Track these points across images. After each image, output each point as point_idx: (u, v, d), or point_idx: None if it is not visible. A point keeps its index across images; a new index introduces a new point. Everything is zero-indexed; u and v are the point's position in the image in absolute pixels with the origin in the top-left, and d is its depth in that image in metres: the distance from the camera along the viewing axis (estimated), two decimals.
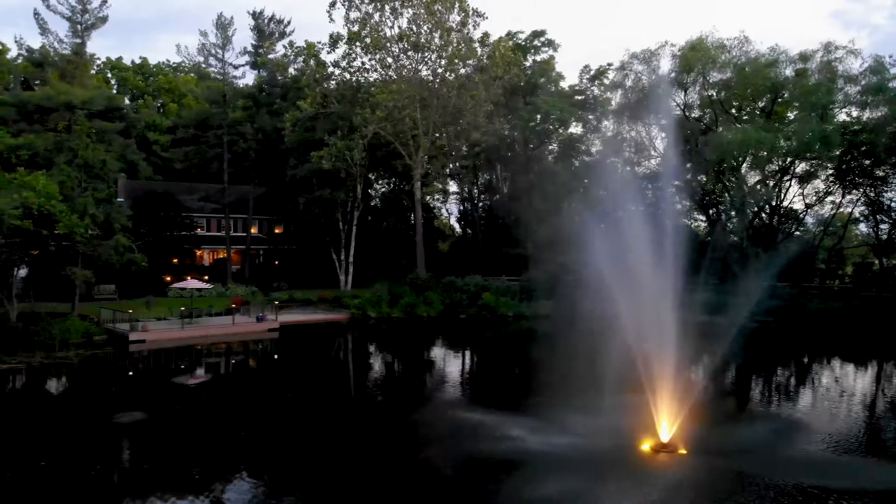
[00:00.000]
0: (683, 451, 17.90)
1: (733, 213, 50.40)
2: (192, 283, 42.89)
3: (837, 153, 51.48)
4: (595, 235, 20.80)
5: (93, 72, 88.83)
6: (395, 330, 46.18)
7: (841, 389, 29.30)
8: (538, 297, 49.59)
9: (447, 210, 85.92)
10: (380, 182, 78.54)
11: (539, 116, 59.16)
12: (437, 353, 40.84)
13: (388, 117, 52.05)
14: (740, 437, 19.77)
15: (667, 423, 18.30)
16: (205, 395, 26.53)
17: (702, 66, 47.79)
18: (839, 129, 43.54)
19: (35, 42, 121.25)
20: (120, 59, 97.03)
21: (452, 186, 74.94)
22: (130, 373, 31.85)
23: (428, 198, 74.33)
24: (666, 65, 50.94)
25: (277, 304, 44.75)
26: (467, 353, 40.37)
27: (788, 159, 48.65)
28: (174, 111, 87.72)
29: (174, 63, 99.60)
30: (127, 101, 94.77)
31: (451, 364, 36.94)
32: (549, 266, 44.20)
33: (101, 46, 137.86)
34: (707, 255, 49.73)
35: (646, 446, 18.24)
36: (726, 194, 46.74)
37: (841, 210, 57.77)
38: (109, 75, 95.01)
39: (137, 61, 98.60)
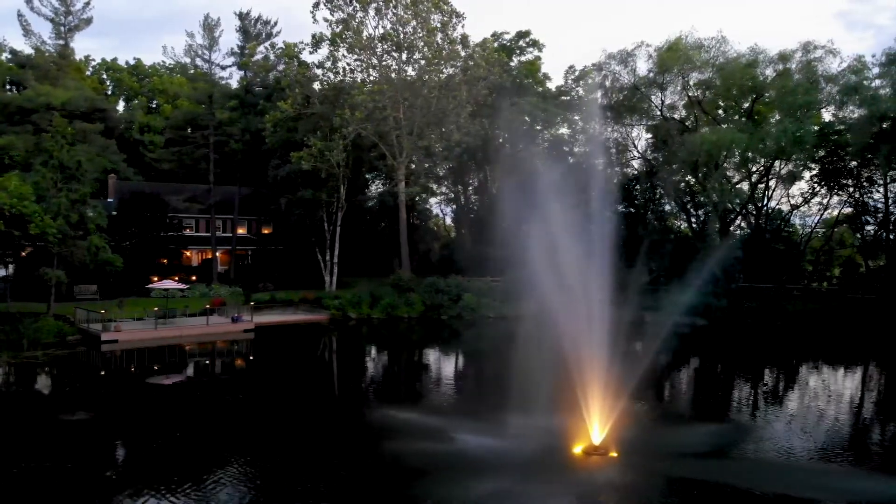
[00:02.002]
0: (615, 454, 17.83)
1: (713, 213, 49.98)
2: (167, 283, 42.99)
3: (822, 153, 51.26)
4: (568, 238, 20.91)
5: (88, 73, 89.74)
6: (372, 331, 46.22)
7: (782, 394, 28.94)
8: (520, 298, 49.41)
9: (442, 211, 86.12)
10: (375, 182, 78.76)
11: (526, 118, 59.04)
12: (404, 354, 40.95)
13: (369, 118, 52.05)
14: (673, 440, 19.73)
15: (598, 425, 18.25)
16: (155, 395, 26.42)
17: (679, 67, 47.50)
18: (815, 129, 43.10)
19: (18, 44, 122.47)
20: (115, 60, 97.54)
21: (444, 188, 75.00)
22: (92, 372, 31.88)
23: (431, 199, 74.72)
24: (643, 65, 50.71)
25: (253, 304, 44.78)
26: (433, 355, 40.44)
27: (769, 160, 48.34)
28: (168, 112, 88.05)
29: (170, 64, 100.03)
30: (122, 103, 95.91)
31: (413, 365, 37.03)
32: (531, 267, 44.07)
33: (105, 47, 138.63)
34: (688, 257, 49.78)
35: (578, 448, 18.18)
36: (713, 195, 46.37)
37: (830, 211, 57.50)
38: (105, 76, 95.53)
39: (132, 62, 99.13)
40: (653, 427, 21.09)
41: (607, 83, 52.36)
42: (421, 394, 28.26)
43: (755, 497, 15.58)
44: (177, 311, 42.68)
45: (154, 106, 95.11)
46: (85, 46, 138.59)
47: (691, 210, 58.12)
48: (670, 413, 24.89)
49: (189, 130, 66.92)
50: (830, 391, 29.48)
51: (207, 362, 36.37)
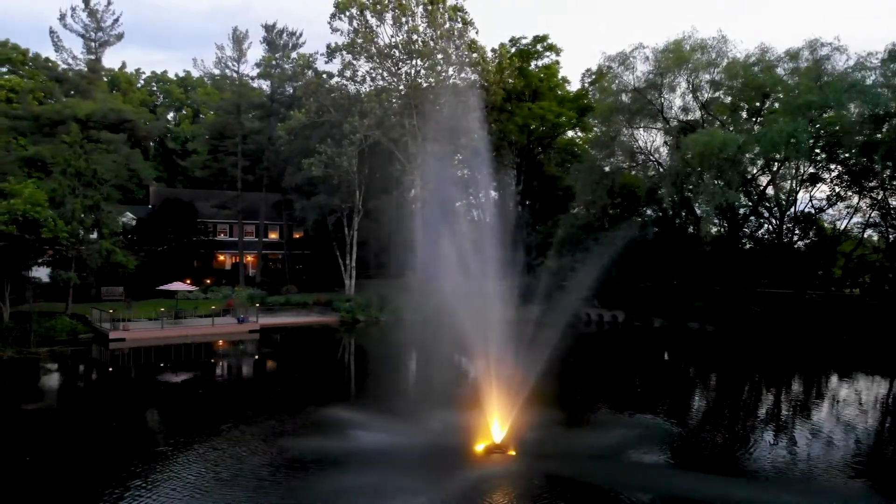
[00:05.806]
0: (513, 453, 18.14)
1: (707, 215, 48.75)
2: (176, 285, 44.97)
3: (846, 154, 49.37)
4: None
5: (139, 85, 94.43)
6: (375, 333, 47.25)
7: (707, 400, 28.34)
8: (530, 301, 49.58)
9: (476, 215, 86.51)
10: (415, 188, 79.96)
11: (541, 121, 59.05)
12: (389, 355, 41.54)
13: (379, 124, 53.08)
14: (573, 442, 19.95)
15: (499, 424, 18.61)
16: (127, 390, 27.90)
17: (681, 68, 46.67)
18: (808, 128, 41.43)
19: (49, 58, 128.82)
20: (165, 72, 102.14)
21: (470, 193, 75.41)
22: (85, 369, 33.75)
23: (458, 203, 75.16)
24: (641, 67, 49.90)
25: (260, 305, 46.39)
26: (414, 356, 40.80)
27: (779, 161, 46.99)
28: (210, 121, 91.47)
29: (216, 75, 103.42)
30: (171, 113, 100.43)
31: (386, 365, 37.47)
32: (542, 270, 44.38)
33: (174, 59, 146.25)
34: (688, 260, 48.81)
35: (480, 446, 18.54)
36: (703, 197, 45.31)
37: (862, 214, 55.06)
38: (154, 88, 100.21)
39: (182, 74, 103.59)
40: (560, 427, 21.31)
41: (613, 86, 51.73)
42: (367, 393, 29.18)
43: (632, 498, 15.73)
44: (186, 311, 44.54)
45: (202, 117, 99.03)
46: (156, 59, 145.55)
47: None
48: (583, 413, 24.84)
49: (212, 140, 69.52)
50: (764, 400, 28.67)
51: (208, 361, 37.83)
